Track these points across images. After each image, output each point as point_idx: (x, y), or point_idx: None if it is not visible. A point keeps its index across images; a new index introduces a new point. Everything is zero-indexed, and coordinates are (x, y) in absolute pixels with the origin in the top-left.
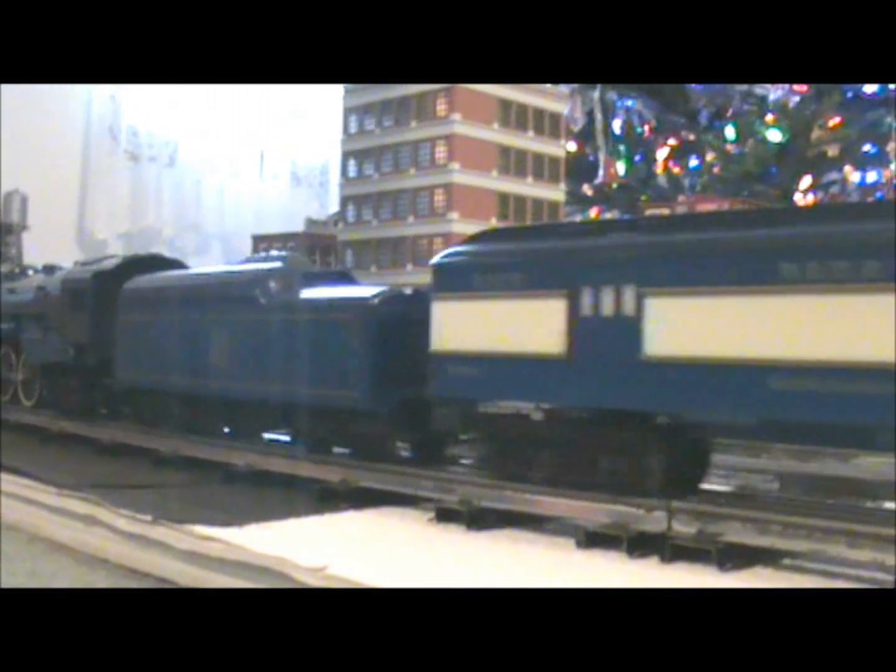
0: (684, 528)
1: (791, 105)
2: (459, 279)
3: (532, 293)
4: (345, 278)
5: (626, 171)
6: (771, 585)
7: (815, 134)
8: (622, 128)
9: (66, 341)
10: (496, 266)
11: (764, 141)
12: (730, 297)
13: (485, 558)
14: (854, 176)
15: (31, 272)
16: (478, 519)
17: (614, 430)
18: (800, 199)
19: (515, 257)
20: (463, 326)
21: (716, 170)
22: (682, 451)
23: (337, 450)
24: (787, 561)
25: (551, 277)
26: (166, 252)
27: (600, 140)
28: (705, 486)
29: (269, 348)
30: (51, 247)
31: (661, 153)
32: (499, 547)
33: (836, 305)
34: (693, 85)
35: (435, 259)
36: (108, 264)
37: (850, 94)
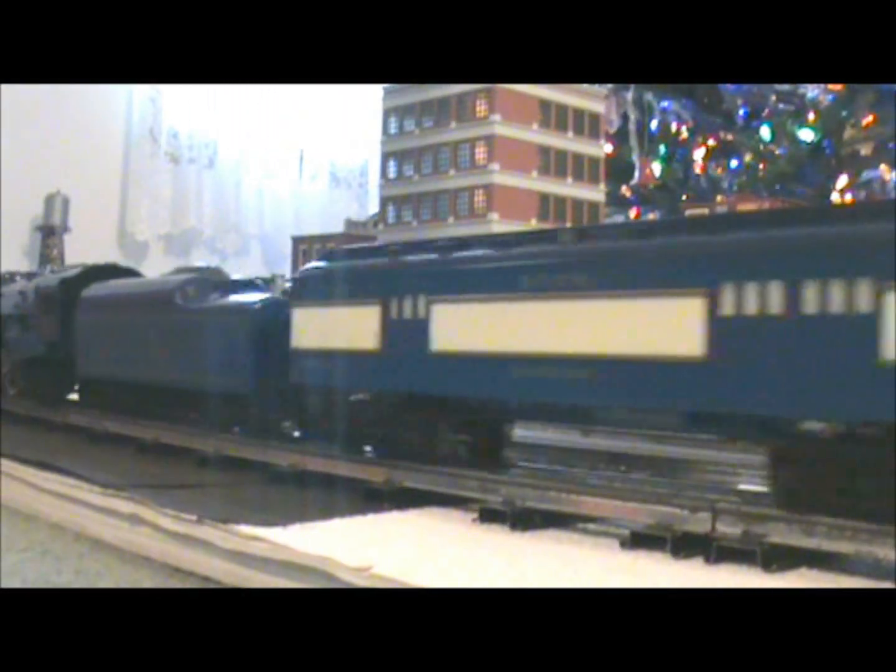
0: (729, 528)
1: (826, 104)
2: (308, 290)
3: (357, 301)
4: (251, 286)
5: (663, 173)
6: (817, 586)
7: (848, 133)
8: (658, 129)
9: (39, 339)
10: (333, 280)
11: (797, 140)
12: (484, 305)
13: (530, 559)
14: (890, 175)
15: (18, 278)
16: (522, 519)
17: (416, 410)
18: (836, 198)
19: (347, 273)
20: (311, 328)
21: (760, 169)
22: (472, 428)
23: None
24: (834, 562)
25: (370, 290)
26: (207, 254)
27: (633, 141)
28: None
29: (185, 345)
30: (92, 248)
31: (699, 154)
32: (543, 547)
33: (551, 310)
34: (726, 85)
35: (295, 274)
36: (72, 272)
37: (884, 92)
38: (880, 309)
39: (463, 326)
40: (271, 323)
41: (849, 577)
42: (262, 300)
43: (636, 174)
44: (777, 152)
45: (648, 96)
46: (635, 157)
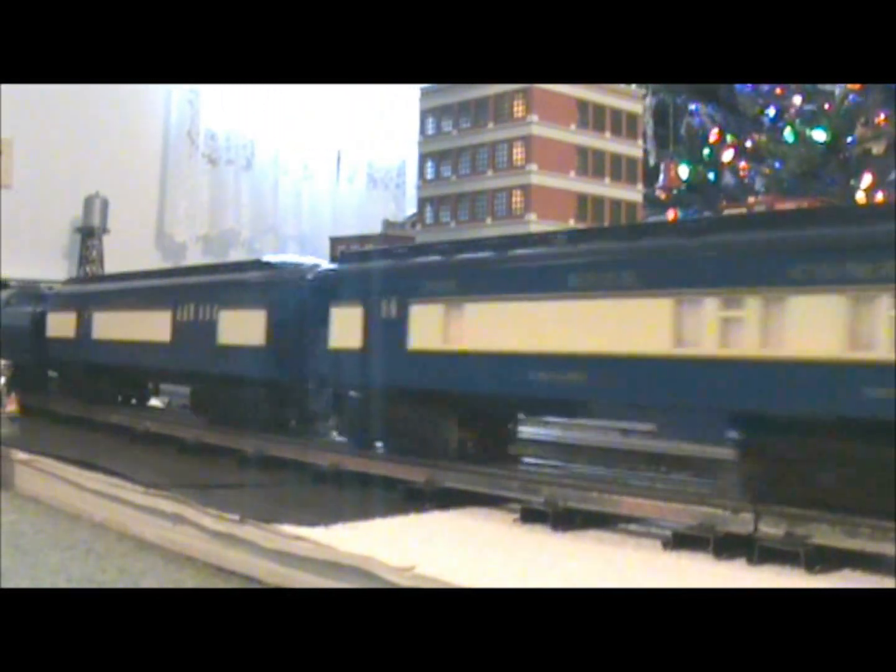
0: (772, 529)
1: (848, 103)
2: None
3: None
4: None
5: (690, 175)
6: (861, 587)
7: (859, 131)
8: (685, 131)
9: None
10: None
11: (810, 141)
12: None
13: (572, 559)
14: None
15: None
16: (563, 520)
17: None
18: (861, 198)
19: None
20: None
21: (766, 170)
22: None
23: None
24: (878, 564)
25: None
26: (245, 254)
27: (650, 145)
28: None
29: None
30: (131, 250)
31: (727, 155)
32: (585, 548)
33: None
34: (743, 86)
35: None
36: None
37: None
38: None
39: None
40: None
41: (893, 579)
42: None
43: (660, 177)
44: (783, 154)
45: (676, 99)
46: (651, 161)
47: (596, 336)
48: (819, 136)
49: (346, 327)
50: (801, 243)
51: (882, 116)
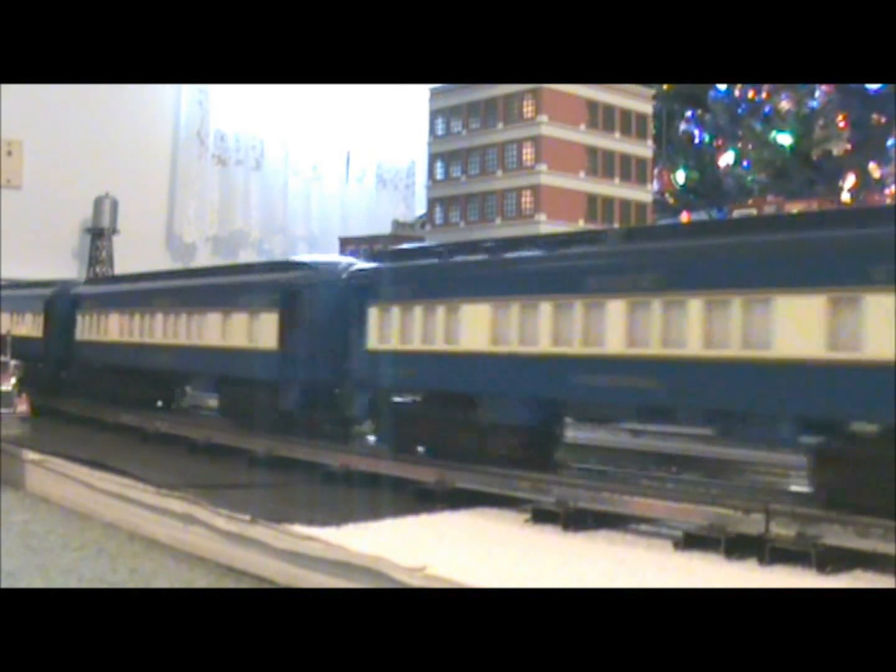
0: (783, 530)
1: (804, 107)
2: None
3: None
4: None
5: (686, 179)
6: (873, 587)
7: (817, 133)
8: (681, 136)
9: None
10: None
11: (775, 144)
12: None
13: (583, 559)
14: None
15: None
16: (574, 520)
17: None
18: (847, 199)
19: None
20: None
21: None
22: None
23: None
24: (890, 564)
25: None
26: (255, 255)
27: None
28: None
29: None
30: (141, 250)
31: (725, 159)
32: (596, 548)
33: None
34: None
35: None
36: None
37: (851, 90)
38: None
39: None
40: None
41: None
42: None
43: (655, 182)
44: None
45: (671, 106)
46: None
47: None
48: (784, 139)
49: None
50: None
51: (840, 118)
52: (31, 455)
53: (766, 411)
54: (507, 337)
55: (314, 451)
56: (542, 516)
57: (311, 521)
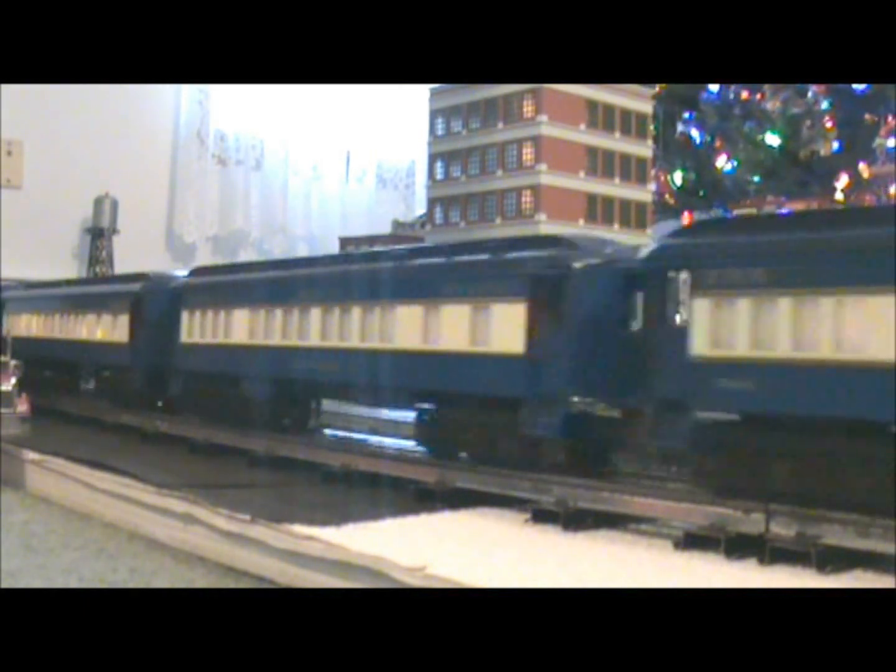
0: (783, 530)
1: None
2: None
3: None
4: None
5: (683, 181)
6: (873, 587)
7: (805, 134)
8: (678, 139)
9: None
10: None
11: (764, 145)
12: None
13: (584, 559)
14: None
15: None
16: (574, 520)
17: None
18: (842, 199)
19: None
20: None
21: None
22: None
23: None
24: (889, 564)
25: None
26: (255, 255)
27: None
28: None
29: None
30: (141, 250)
31: (721, 160)
32: (596, 548)
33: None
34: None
35: None
36: None
37: (839, 91)
38: None
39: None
40: None
41: None
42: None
43: (651, 184)
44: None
45: (665, 109)
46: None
47: None
48: (772, 140)
49: None
50: None
51: (827, 118)
52: (31, 455)
53: None
54: (258, 333)
55: (315, 452)
56: (542, 516)
57: (311, 521)
